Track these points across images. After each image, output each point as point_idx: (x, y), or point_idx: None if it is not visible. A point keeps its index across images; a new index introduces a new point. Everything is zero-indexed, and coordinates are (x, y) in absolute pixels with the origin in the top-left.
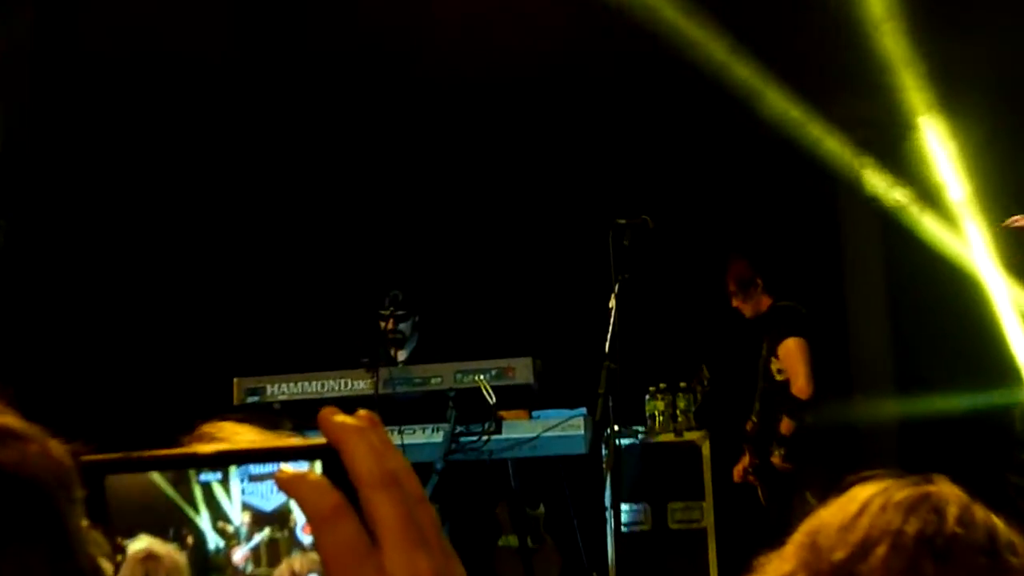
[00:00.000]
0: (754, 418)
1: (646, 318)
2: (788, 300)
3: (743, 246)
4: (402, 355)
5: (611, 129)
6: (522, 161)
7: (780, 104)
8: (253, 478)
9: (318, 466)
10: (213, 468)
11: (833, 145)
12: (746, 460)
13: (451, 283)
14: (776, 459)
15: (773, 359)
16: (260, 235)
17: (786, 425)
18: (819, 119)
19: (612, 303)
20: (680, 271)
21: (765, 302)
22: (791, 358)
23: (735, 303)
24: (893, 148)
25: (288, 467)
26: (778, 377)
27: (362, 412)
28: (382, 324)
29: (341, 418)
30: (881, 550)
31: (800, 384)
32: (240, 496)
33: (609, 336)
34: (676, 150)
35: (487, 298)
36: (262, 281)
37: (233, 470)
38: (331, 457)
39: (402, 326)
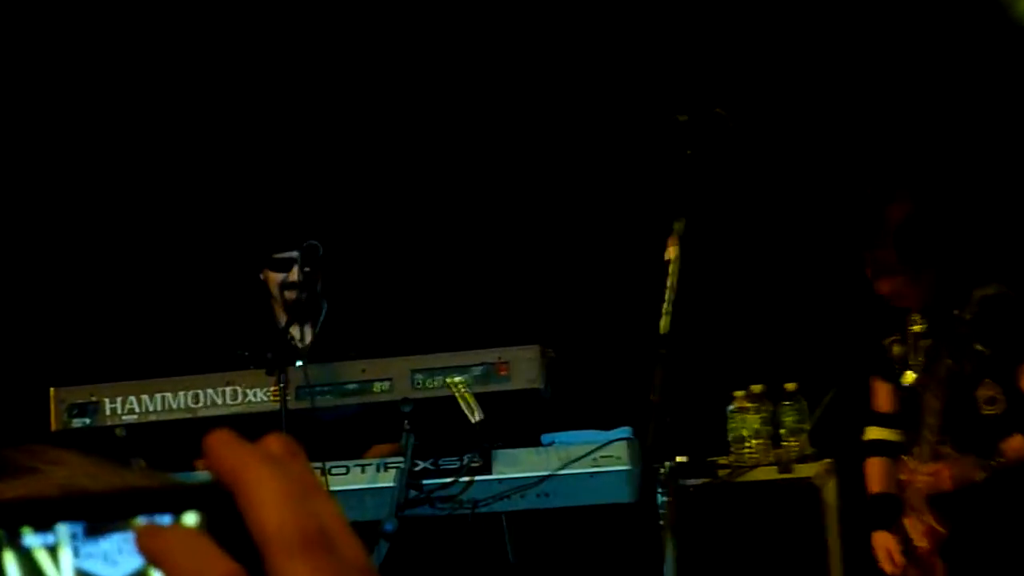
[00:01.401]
0: (928, 461)
1: (725, 281)
2: (995, 284)
3: (912, 179)
4: (307, 334)
5: None
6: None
7: None
8: (92, 532)
9: (192, 518)
10: (33, 524)
11: None
12: (915, 531)
13: (401, 234)
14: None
15: (986, 383)
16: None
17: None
18: None
19: (671, 253)
20: (781, 206)
21: (951, 285)
22: None
23: (887, 285)
24: None
25: (150, 520)
26: (987, 410)
27: (275, 436)
28: (285, 295)
29: (237, 445)
30: None
31: None
32: (71, 564)
33: (665, 307)
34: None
35: (461, 254)
36: (89, 245)
37: (62, 527)
38: (222, 504)
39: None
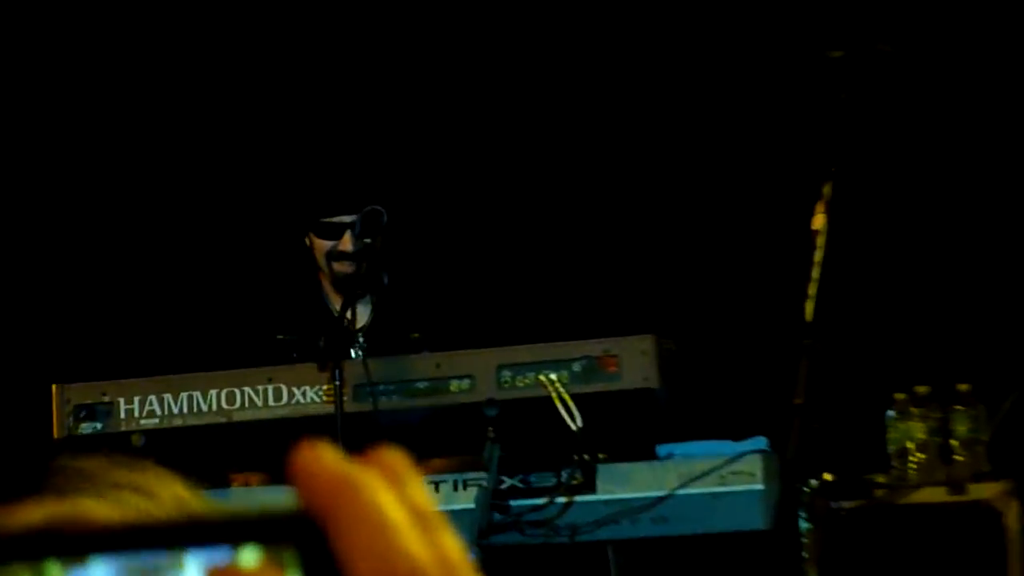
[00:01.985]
0: None
1: (885, 256)
2: None
3: None
4: (362, 315)
5: None
6: None
7: None
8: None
9: (252, 555)
10: (105, 549)
11: None
12: None
13: (481, 194)
14: None
15: None
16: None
17: None
18: None
19: (818, 222)
20: (958, 164)
21: None
22: None
23: None
24: None
25: (226, 557)
26: None
27: (385, 451)
28: (334, 267)
29: (334, 462)
30: None
31: None
32: None
33: (811, 289)
34: None
35: (556, 221)
36: (96, 205)
37: (98, 565)
38: (312, 540)
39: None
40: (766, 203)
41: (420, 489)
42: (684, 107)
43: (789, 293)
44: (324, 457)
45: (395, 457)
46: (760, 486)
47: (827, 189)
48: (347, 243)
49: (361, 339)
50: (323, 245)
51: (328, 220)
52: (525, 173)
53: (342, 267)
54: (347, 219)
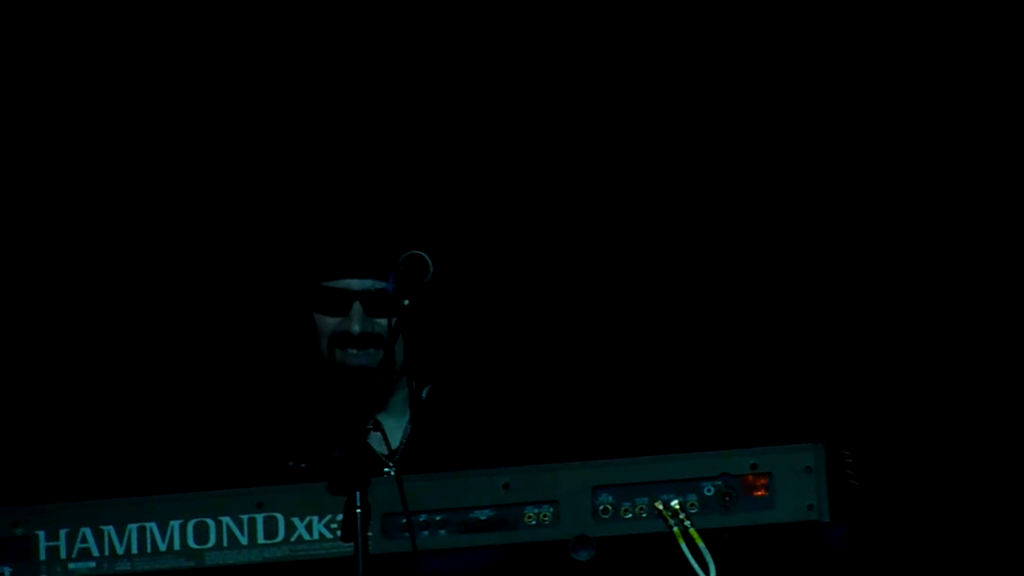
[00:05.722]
0: None
1: None
2: None
3: None
4: (394, 431)
5: None
6: None
7: None
8: None
9: None
10: None
11: None
12: None
13: (557, 252)
14: None
15: None
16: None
17: None
18: None
19: None
20: None
21: None
22: None
23: None
24: None
25: None
26: None
27: None
28: (337, 354)
29: None
30: None
31: None
32: None
33: None
34: None
35: (663, 285)
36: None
37: None
38: None
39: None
40: (967, 242)
41: None
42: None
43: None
44: None
45: None
46: None
47: None
48: (355, 318)
49: (391, 467)
50: (328, 324)
51: (330, 284)
52: (610, 233)
53: (354, 352)
54: (356, 284)
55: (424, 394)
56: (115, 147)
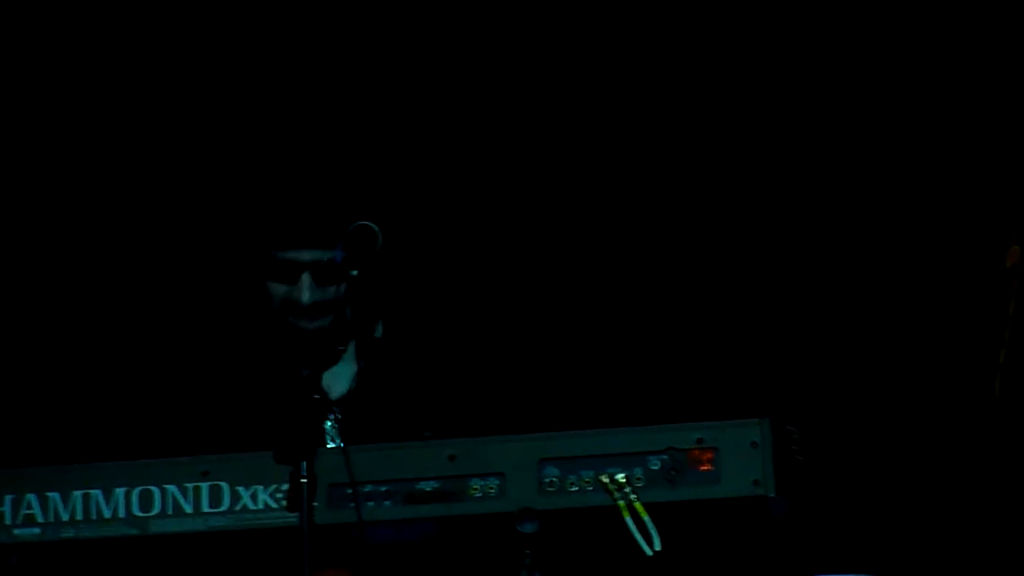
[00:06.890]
0: None
1: None
2: None
3: None
4: (340, 380)
5: None
6: None
7: None
8: None
9: None
10: None
11: None
12: None
13: (512, 214)
14: None
15: None
16: None
17: None
18: None
19: (1014, 257)
20: None
21: None
22: None
23: None
24: None
25: None
26: None
27: None
28: (294, 320)
29: None
30: None
31: None
32: None
33: (1001, 357)
34: None
35: (618, 250)
36: None
37: None
38: None
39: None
40: (936, 234)
41: None
42: (858, 124)
43: (964, 354)
44: None
45: None
46: None
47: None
48: (304, 288)
49: (337, 416)
50: (279, 291)
51: (283, 255)
52: (572, 194)
53: (304, 316)
54: (306, 255)
55: (378, 332)
56: (68, 120)
